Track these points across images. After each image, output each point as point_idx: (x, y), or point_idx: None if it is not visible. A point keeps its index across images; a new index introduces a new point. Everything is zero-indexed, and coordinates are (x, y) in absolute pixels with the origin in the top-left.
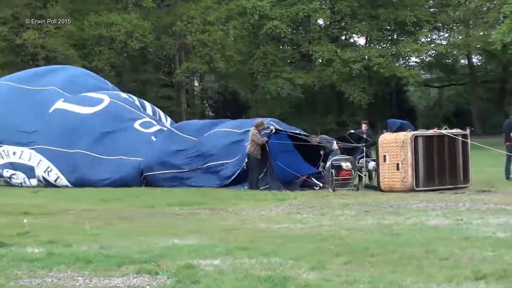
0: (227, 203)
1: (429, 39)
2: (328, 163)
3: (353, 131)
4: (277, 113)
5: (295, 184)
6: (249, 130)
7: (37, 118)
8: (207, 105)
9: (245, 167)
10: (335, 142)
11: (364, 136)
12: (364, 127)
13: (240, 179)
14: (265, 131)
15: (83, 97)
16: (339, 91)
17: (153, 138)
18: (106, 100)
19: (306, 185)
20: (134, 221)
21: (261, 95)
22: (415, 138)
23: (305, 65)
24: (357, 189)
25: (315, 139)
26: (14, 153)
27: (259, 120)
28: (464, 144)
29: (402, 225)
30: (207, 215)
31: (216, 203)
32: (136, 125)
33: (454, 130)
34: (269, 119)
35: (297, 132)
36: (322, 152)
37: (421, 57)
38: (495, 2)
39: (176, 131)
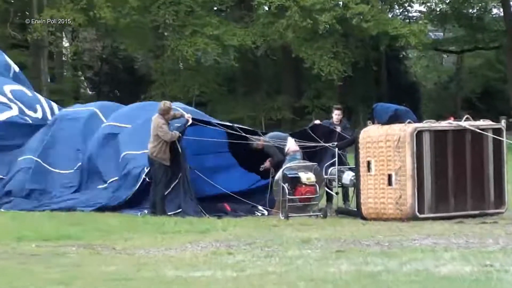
0: (114, 237)
1: None
2: (279, 174)
3: (318, 123)
4: (196, 93)
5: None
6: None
7: None
8: (83, 78)
9: (146, 179)
10: (290, 139)
11: (337, 129)
12: (336, 115)
13: (137, 199)
14: (177, 122)
15: None
16: (296, 58)
17: None
18: None
19: (244, 209)
20: None
21: (170, 63)
22: (419, 133)
23: (242, 16)
24: (325, 216)
25: (259, 141)
26: None
27: (166, 103)
28: (497, 144)
29: (397, 273)
30: (81, 255)
31: (96, 236)
32: None
33: (481, 122)
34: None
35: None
36: (266, 165)
37: (428, 5)
38: None
39: None
